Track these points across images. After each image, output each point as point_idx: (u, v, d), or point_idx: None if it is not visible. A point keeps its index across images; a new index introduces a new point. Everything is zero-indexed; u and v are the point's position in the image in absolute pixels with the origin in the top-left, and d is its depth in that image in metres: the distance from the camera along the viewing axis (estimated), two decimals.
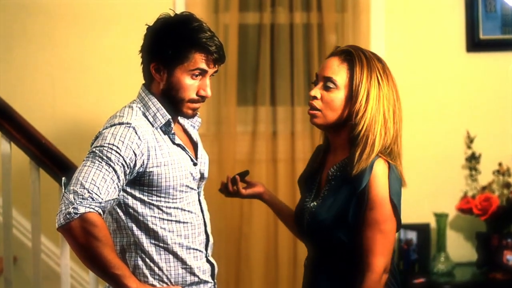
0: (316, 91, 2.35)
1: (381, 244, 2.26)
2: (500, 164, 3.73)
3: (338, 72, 2.32)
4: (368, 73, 2.30)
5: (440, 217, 3.67)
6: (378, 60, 2.35)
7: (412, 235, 3.67)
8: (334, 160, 2.39)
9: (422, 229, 3.69)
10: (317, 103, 2.34)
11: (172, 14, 2.31)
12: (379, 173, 2.26)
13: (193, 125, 2.48)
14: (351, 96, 2.30)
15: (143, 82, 2.36)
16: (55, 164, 2.98)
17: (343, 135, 2.35)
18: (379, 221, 2.25)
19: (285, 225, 2.70)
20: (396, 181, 2.29)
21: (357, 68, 2.30)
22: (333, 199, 2.32)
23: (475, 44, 3.78)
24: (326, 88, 2.33)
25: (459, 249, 3.79)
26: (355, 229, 2.28)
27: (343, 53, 2.35)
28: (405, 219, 3.55)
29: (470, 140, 3.78)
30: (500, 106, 3.81)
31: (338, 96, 2.32)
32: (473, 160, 3.76)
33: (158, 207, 2.28)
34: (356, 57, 2.32)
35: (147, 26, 2.31)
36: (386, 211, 2.26)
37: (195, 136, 2.47)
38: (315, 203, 2.38)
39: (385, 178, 2.26)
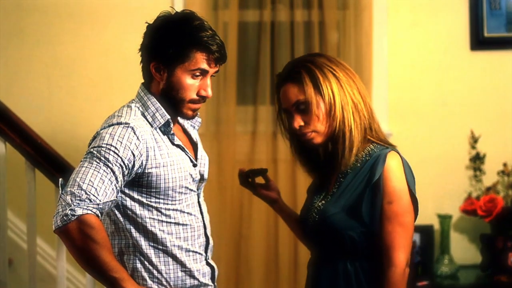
0: (297, 121, 2.35)
1: (402, 238, 2.26)
2: (505, 165, 3.72)
3: (298, 92, 2.33)
4: (320, 73, 2.31)
5: (444, 219, 3.67)
6: (319, 56, 2.37)
7: (415, 237, 3.67)
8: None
9: (425, 231, 3.69)
10: (306, 129, 2.34)
11: (172, 12, 2.29)
12: (394, 165, 2.27)
13: (193, 125, 2.46)
14: (321, 103, 2.32)
15: (142, 81, 2.34)
16: (51, 164, 2.96)
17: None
18: (399, 214, 2.26)
19: (295, 234, 2.69)
20: (411, 173, 2.31)
21: (307, 78, 2.31)
22: (342, 194, 2.32)
23: (479, 42, 3.77)
24: (301, 112, 2.34)
25: (463, 251, 3.78)
26: (370, 223, 2.28)
27: (287, 74, 2.36)
28: None
29: (474, 140, 3.76)
30: (505, 105, 3.80)
31: (315, 110, 2.32)
32: (477, 160, 3.75)
33: (156, 208, 2.25)
34: (300, 68, 2.33)
35: (147, 24, 2.29)
36: (405, 203, 2.27)
37: (195, 136, 2.46)
38: (324, 201, 2.37)
39: (401, 170, 2.27)
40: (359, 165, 2.32)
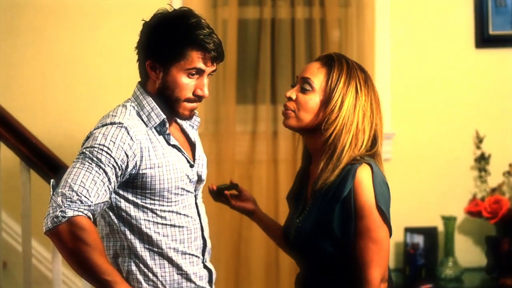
0: (292, 92, 2.35)
1: (376, 254, 2.23)
2: (510, 165, 3.69)
3: (316, 74, 2.32)
4: (346, 80, 2.29)
5: (448, 220, 3.64)
6: (361, 71, 2.34)
7: (419, 239, 3.64)
8: (317, 171, 2.35)
9: (429, 233, 3.66)
10: (290, 105, 2.34)
11: (170, 10, 2.27)
12: (364, 179, 2.23)
13: (192, 125, 2.43)
14: (326, 101, 2.30)
15: (139, 79, 2.32)
16: (47, 165, 2.95)
17: (318, 141, 2.33)
18: (370, 230, 2.22)
19: (275, 243, 2.69)
20: (382, 186, 2.26)
21: (335, 73, 2.30)
22: (316, 212, 2.30)
23: (484, 40, 3.74)
24: (303, 90, 2.33)
25: (467, 253, 3.75)
26: (343, 240, 2.25)
27: (325, 57, 2.37)
28: (412, 222, 3.66)
29: (479, 140, 3.74)
30: (510, 104, 3.77)
31: (313, 99, 2.31)
32: (482, 160, 3.72)
33: (152, 210, 2.23)
34: (336, 62, 2.32)
35: (143, 22, 2.27)
36: (376, 219, 2.23)
37: (193, 136, 2.43)
38: (301, 218, 2.36)
39: (370, 184, 2.23)
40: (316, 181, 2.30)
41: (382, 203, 2.22)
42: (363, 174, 2.22)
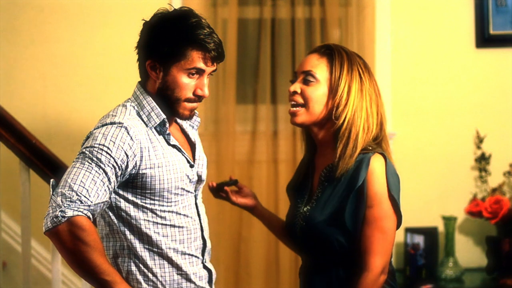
0: (296, 86, 2.34)
1: (380, 243, 2.24)
2: (511, 165, 3.68)
3: (317, 65, 2.33)
4: (348, 67, 2.31)
5: (449, 221, 3.62)
6: (359, 57, 2.37)
7: (419, 239, 3.62)
8: (324, 161, 2.37)
9: (429, 233, 3.64)
10: (298, 98, 2.33)
11: (170, 10, 2.27)
12: (377, 169, 2.24)
13: (192, 125, 2.44)
14: (332, 90, 2.31)
15: (139, 79, 2.32)
16: (46, 165, 2.94)
17: (328, 132, 2.34)
18: (379, 219, 2.24)
19: (278, 238, 2.69)
20: (394, 176, 2.27)
21: (337, 61, 2.31)
22: (327, 200, 2.30)
23: (485, 39, 3.73)
24: (306, 82, 2.33)
25: (468, 253, 3.74)
26: (353, 229, 2.25)
27: (322, 48, 2.37)
28: (412, 222, 3.64)
29: (479, 140, 3.73)
30: (510, 104, 3.76)
31: (319, 90, 2.32)
32: (482, 160, 3.71)
33: (151, 210, 2.23)
34: (335, 51, 2.33)
35: (143, 22, 2.27)
36: (386, 208, 2.24)
37: (193, 136, 2.43)
38: (309, 207, 2.35)
39: (383, 174, 2.24)
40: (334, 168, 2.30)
41: (394, 192, 2.23)
42: (377, 164, 2.24)
